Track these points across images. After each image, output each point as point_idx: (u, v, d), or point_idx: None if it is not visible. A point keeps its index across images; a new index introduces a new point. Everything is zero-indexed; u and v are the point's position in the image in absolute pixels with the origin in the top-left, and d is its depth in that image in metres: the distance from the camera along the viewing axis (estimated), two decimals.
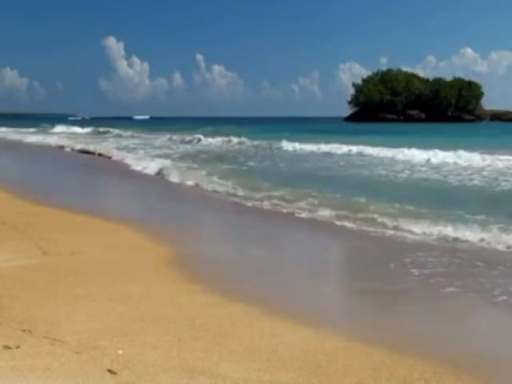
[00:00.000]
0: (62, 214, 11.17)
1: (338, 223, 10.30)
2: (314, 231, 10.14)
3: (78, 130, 60.53)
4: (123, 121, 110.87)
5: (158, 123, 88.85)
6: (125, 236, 9.30)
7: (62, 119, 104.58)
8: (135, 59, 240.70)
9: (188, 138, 41.58)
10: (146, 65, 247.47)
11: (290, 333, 5.15)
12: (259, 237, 9.94)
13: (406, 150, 25.66)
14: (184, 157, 25.87)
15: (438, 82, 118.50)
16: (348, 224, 10.16)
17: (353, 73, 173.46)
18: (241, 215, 11.80)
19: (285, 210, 11.78)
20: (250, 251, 8.69)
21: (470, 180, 17.03)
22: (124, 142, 39.12)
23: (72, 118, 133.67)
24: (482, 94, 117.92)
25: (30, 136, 48.22)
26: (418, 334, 5.23)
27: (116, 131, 55.43)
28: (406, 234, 9.36)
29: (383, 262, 7.84)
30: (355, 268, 8.09)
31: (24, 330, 4.95)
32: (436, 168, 20.78)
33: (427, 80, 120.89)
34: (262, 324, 5.37)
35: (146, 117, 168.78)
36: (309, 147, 30.57)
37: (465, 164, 21.56)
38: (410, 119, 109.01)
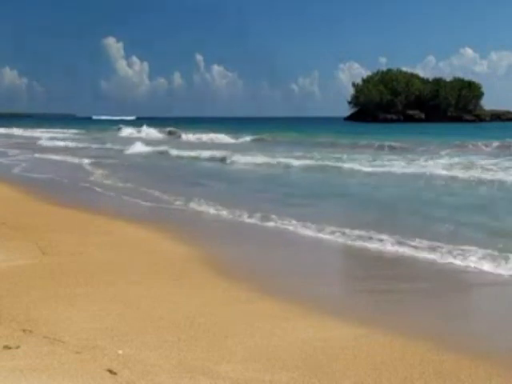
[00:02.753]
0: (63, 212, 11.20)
1: None
2: None
3: None
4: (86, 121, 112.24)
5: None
6: (125, 235, 9.32)
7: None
8: (135, 59, 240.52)
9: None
10: (145, 65, 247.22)
11: (290, 333, 5.15)
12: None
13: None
14: None
15: (438, 82, 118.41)
16: None
17: (352, 73, 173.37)
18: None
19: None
20: (248, 251, 8.69)
21: None
22: None
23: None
24: (482, 93, 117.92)
25: None
26: (418, 334, 5.23)
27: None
28: None
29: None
30: (349, 268, 8.10)
31: (24, 330, 4.95)
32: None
33: (427, 80, 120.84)
34: (262, 324, 5.37)
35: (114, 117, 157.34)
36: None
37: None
38: (410, 119, 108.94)
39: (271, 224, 10.25)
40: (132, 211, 11.96)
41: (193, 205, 12.31)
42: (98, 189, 15.33)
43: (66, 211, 11.62)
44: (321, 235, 9.27)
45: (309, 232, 9.55)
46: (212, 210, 11.70)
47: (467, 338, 5.28)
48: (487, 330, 5.57)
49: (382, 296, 6.45)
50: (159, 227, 10.02)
